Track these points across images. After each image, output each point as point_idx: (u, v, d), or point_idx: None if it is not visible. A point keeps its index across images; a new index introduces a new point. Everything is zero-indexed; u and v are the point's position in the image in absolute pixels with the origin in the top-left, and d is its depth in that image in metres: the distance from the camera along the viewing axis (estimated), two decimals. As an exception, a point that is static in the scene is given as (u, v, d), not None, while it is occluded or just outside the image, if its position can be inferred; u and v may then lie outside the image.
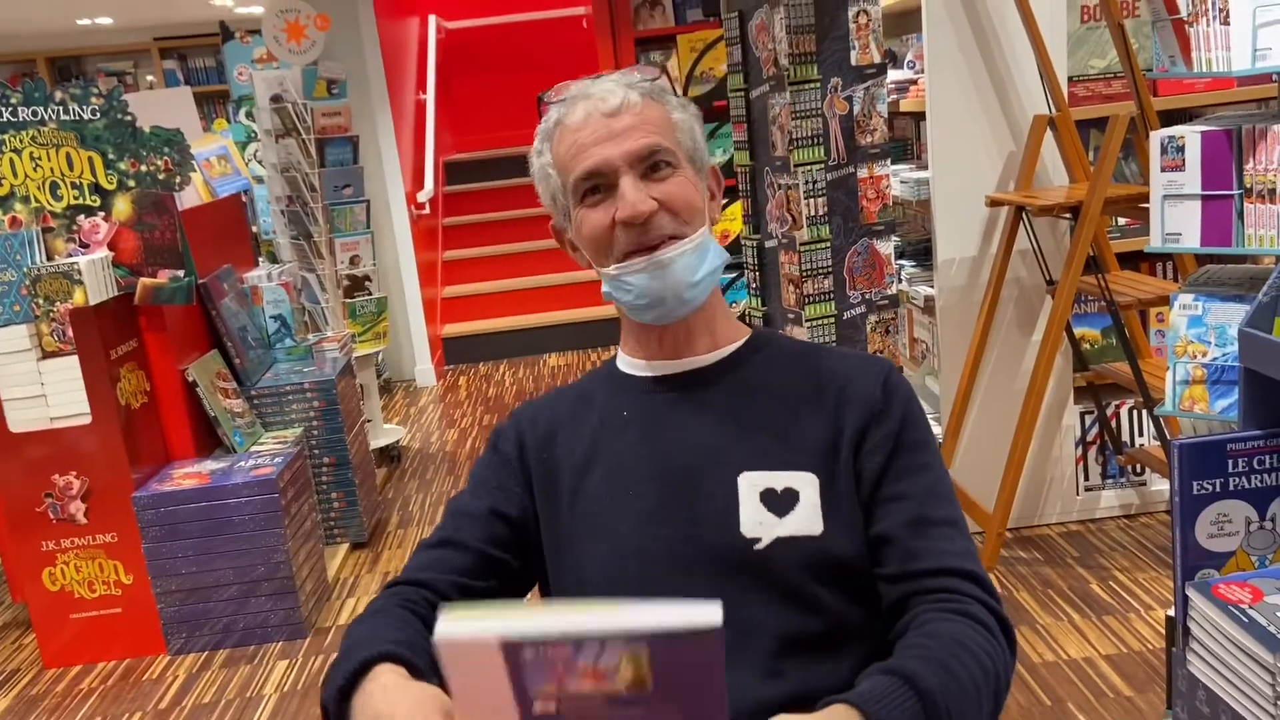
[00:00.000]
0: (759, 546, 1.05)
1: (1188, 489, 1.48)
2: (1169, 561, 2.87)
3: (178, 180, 3.03)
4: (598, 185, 1.09)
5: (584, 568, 1.11)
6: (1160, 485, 3.17)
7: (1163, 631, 2.53)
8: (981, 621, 1.00)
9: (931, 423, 3.58)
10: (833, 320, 2.68)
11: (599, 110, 1.09)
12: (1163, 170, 1.66)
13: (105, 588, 2.94)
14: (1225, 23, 1.54)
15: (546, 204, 1.17)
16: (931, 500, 1.08)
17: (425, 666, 0.97)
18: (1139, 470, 3.17)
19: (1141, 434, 3.18)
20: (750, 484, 1.08)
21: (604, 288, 1.15)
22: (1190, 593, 1.48)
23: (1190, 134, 1.64)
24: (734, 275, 4.87)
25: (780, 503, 1.07)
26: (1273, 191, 1.58)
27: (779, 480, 1.08)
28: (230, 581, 2.93)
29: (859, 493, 1.09)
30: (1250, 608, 1.39)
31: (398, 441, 4.55)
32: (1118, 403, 3.16)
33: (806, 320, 2.66)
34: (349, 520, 3.56)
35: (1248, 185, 1.60)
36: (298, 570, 2.99)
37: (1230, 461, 1.48)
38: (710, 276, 1.13)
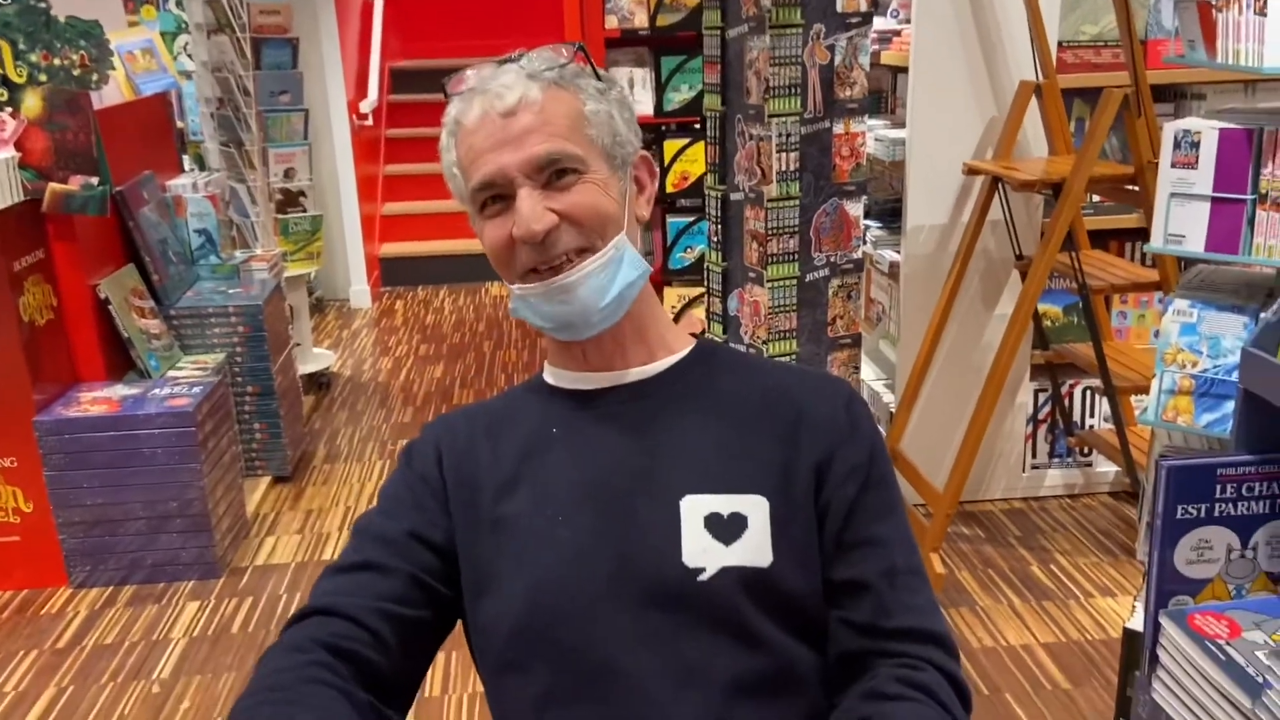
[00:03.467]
0: (703, 578, 0.95)
1: (1171, 513, 1.40)
2: (1109, 546, 2.85)
3: (95, 77, 2.76)
4: (496, 195, 0.97)
5: (507, 605, 0.98)
6: (1105, 467, 3.14)
7: (1102, 622, 2.51)
8: (941, 701, 0.94)
9: (884, 390, 3.48)
10: (794, 282, 2.56)
11: (495, 109, 0.96)
12: (1173, 166, 1.55)
13: (2, 514, 2.74)
14: (1261, 13, 1.41)
15: (458, 201, 1.04)
16: (901, 546, 1.02)
17: None
18: (1086, 451, 3.14)
19: (1093, 415, 3.13)
20: (693, 508, 0.98)
21: (510, 304, 1.03)
22: (1164, 621, 1.41)
23: (1208, 130, 1.52)
24: (691, 219, 4.71)
25: (727, 529, 0.97)
26: (1288, 199, 1.48)
27: (725, 504, 0.98)
28: (139, 515, 2.75)
29: (824, 527, 1.00)
30: (1228, 644, 1.32)
31: (328, 368, 4.35)
32: (1072, 382, 3.10)
33: (768, 280, 2.54)
34: (271, 453, 3.38)
35: (1263, 191, 1.50)
36: (214, 506, 2.82)
37: (1219, 486, 1.40)
38: (625, 292, 1.00)
